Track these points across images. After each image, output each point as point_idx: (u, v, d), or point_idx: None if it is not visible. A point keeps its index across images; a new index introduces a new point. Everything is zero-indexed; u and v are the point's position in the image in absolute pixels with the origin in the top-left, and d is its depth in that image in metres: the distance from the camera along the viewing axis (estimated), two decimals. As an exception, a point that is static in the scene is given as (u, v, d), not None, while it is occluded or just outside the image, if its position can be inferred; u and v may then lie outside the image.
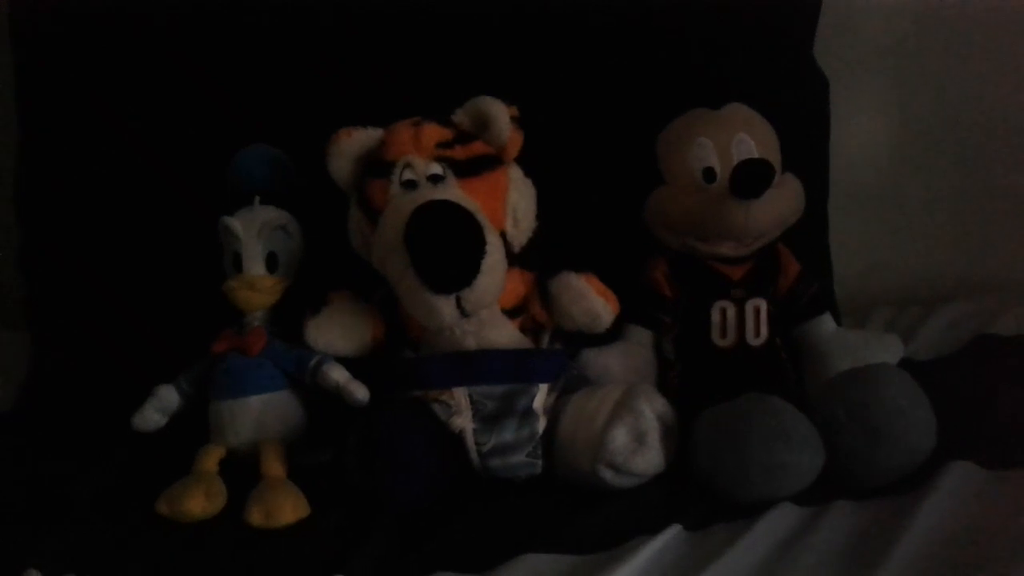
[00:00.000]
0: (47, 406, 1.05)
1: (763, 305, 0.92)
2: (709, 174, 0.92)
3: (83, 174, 1.10)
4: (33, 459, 0.93)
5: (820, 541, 0.70)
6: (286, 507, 0.80)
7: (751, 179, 0.87)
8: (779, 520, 0.73)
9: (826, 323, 0.96)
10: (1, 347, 1.15)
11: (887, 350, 0.96)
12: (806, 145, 1.06)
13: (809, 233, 1.02)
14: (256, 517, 0.79)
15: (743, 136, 0.93)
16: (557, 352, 0.90)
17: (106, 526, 0.80)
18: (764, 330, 0.92)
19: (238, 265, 0.92)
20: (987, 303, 1.14)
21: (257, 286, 0.91)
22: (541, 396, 0.84)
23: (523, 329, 0.89)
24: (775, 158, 0.94)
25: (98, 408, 0.96)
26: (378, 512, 0.79)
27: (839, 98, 1.12)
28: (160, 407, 0.91)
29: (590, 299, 0.87)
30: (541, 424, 0.84)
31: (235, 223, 0.91)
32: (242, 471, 0.85)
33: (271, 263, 0.93)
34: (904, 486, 0.75)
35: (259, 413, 0.89)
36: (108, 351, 1.07)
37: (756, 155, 0.91)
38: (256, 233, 0.92)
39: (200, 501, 0.81)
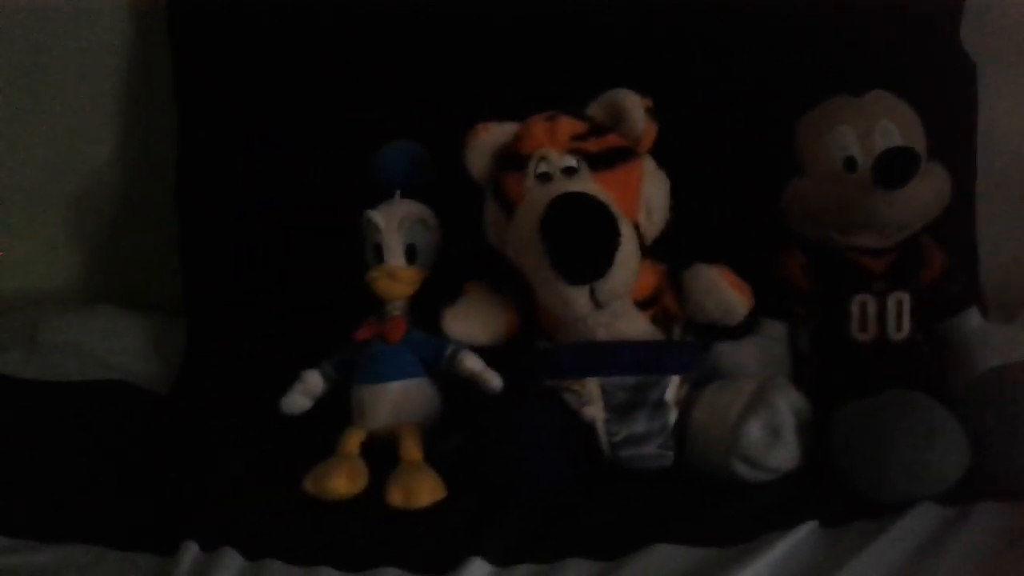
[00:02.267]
0: (202, 390, 1.10)
1: (906, 298, 0.89)
2: (850, 163, 0.90)
3: (237, 169, 1.15)
4: (189, 440, 0.98)
5: (962, 543, 0.69)
6: (424, 489, 0.82)
7: (896, 168, 0.84)
8: (920, 520, 0.72)
9: (972, 318, 0.93)
10: (161, 332, 1.21)
11: (1037, 347, 0.92)
12: (953, 133, 1.02)
13: (955, 224, 0.98)
14: (396, 497, 0.82)
15: (887, 123, 0.90)
16: (689, 344, 0.90)
17: (257, 503, 0.84)
18: (906, 324, 0.89)
19: (379, 256, 0.95)
20: None
21: (398, 276, 0.94)
22: (673, 388, 0.85)
23: (654, 321, 0.89)
24: (920, 146, 0.91)
25: (249, 391, 1.00)
26: (511, 496, 0.80)
27: (987, 84, 1.08)
28: (306, 391, 0.94)
29: (724, 291, 0.86)
30: (673, 416, 0.84)
31: (377, 216, 0.94)
32: (382, 453, 0.87)
33: (410, 255, 0.96)
34: (1053, 488, 0.72)
35: (398, 398, 0.92)
36: (259, 337, 1.11)
37: (901, 143, 0.88)
38: (397, 226, 0.95)
39: (344, 480, 0.84)
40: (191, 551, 0.76)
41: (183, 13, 1.19)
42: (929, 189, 0.88)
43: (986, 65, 1.07)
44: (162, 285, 1.26)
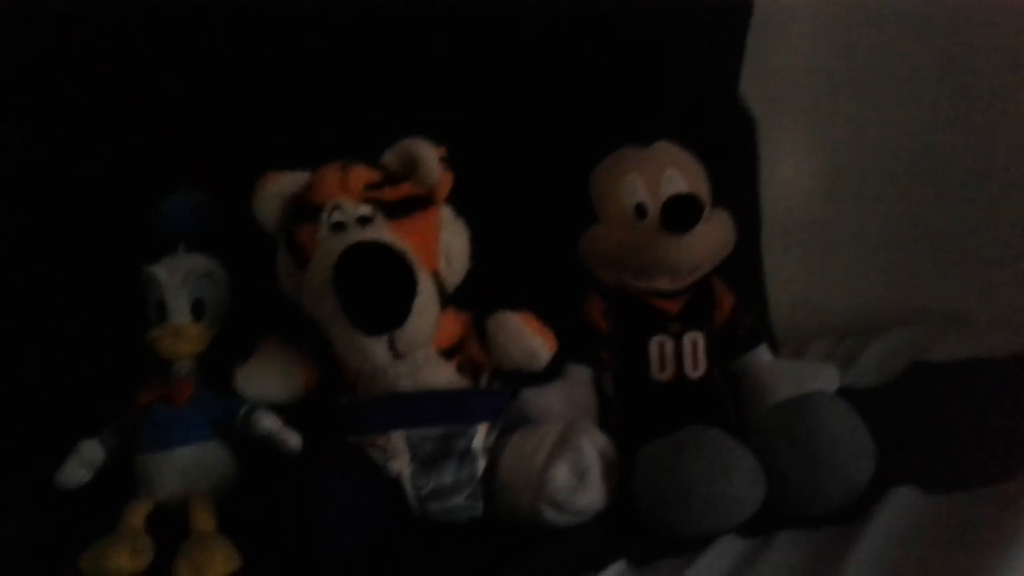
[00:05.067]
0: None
1: (700, 338, 0.92)
2: (640, 210, 0.93)
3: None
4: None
5: (766, 572, 0.69)
6: (216, 561, 0.77)
7: (681, 213, 0.87)
8: (724, 552, 0.72)
9: (763, 354, 0.97)
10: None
11: (824, 379, 0.95)
12: (736, 181, 1.08)
13: (743, 267, 1.03)
14: (184, 573, 0.76)
15: (672, 172, 0.94)
16: (495, 391, 0.89)
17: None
18: (702, 363, 0.92)
19: (163, 314, 0.90)
20: (920, 332, 1.16)
21: (183, 334, 0.89)
22: (480, 436, 0.83)
23: (460, 369, 0.88)
24: (704, 193, 0.95)
25: (19, 464, 0.93)
26: (312, 563, 0.76)
27: (767, 135, 1.14)
28: (83, 462, 0.88)
29: (527, 337, 0.86)
30: (481, 465, 0.82)
31: (159, 271, 0.90)
32: (171, 525, 0.82)
33: (197, 310, 0.91)
34: (848, 513, 0.75)
35: (187, 465, 0.86)
36: (27, 404, 1.03)
37: (686, 190, 0.92)
38: (180, 281, 0.90)
39: (125, 558, 0.77)
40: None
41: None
42: (714, 234, 0.92)
43: (766, 118, 1.14)
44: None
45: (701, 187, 0.95)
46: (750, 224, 1.09)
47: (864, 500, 0.76)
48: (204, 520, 0.81)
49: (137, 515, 0.83)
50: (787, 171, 1.24)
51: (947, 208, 1.26)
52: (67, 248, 1.06)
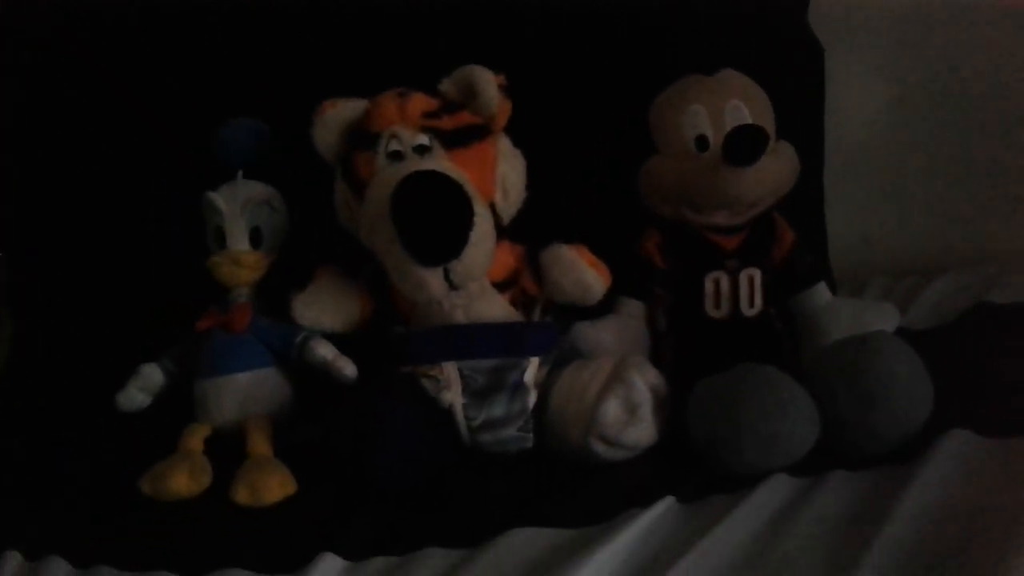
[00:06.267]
0: (29, 387, 1.04)
1: (757, 275, 0.91)
2: (702, 142, 0.91)
3: (61, 149, 1.09)
4: (16, 441, 0.93)
5: (815, 512, 0.69)
6: (272, 484, 0.79)
7: (744, 146, 0.85)
8: (774, 491, 0.72)
9: (821, 293, 0.95)
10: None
11: (883, 319, 0.94)
12: (801, 113, 1.05)
13: (804, 202, 1.01)
14: (242, 495, 0.78)
15: (737, 103, 0.91)
16: (548, 325, 0.89)
17: (90, 506, 0.79)
18: (758, 300, 0.91)
19: (221, 241, 0.91)
20: (984, 272, 1.13)
21: (241, 261, 0.90)
22: (532, 370, 0.83)
23: (514, 302, 0.88)
24: (769, 125, 0.92)
25: (82, 388, 0.95)
26: (367, 489, 0.78)
27: (834, 66, 1.11)
28: (143, 386, 0.90)
29: (581, 271, 0.86)
30: (532, 398, 0.82)
31: (218, 198, 0.90)
32: (228, 449, 0.84)
33: (255, 238, 0.92)
34: (901, 455, 0.74)
35: (245, 390, 0.88)
36: (90, 330, 1.06)
37: (750, 121, 0.90)
38: (239, 208, 0.91)
39: (184, 479, 0.80)
40: (14, 562, 0.71)
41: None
42: (777, 167, 0.90)
43: (834, 48, 1.10)
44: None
45: (766, 118, 0.93)
46: (813, 157, 1.06)
47: (919, 442, 0.75)
48: (261, 444, 0.83)
49: (195, 438, 0.85)
50: (853, 104, 1.20)
51: (1017, 144, 1.21)
52: (128, 176, 1.07)
